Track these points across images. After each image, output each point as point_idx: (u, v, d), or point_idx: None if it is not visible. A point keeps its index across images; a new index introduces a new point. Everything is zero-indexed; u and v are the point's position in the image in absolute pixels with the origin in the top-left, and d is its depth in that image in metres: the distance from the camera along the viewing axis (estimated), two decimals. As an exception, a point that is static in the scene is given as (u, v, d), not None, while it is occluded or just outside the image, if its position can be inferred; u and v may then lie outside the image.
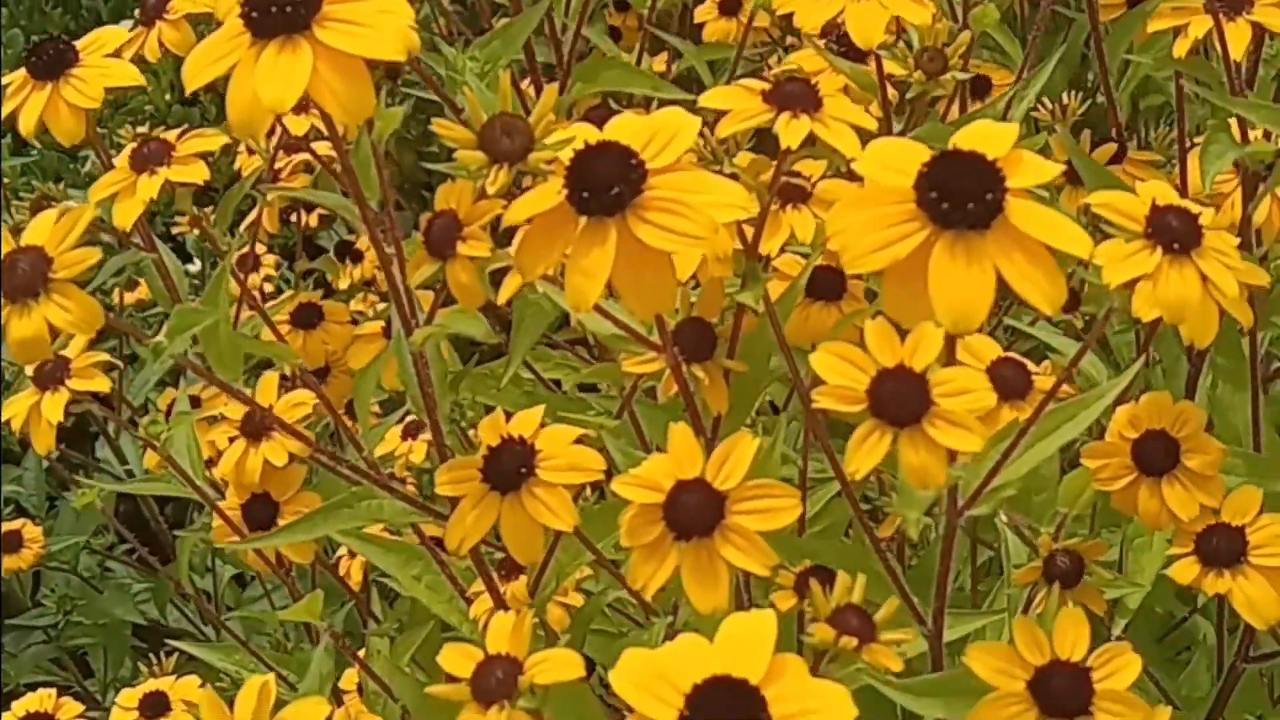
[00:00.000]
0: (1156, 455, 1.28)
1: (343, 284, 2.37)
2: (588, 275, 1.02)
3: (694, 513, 1.06)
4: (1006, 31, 1.92)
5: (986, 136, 1.03)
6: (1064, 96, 1.75)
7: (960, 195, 0.98)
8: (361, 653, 1.80)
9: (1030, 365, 1.35)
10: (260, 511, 1.53)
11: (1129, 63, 1.72)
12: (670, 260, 1.04)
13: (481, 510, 1.19)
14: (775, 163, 1.18)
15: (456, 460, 1.21)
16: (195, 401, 1.70)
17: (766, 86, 1.17)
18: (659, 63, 1.81)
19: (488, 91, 1.09)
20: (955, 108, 1.71)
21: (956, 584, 1.71)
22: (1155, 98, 2.03)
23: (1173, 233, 1.11)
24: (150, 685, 1.91)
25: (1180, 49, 1.44)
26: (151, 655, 1.98)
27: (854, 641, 1.04)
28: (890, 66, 1.41)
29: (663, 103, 1.72)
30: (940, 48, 1.39)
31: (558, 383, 1.85)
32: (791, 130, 1.14)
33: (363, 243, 2.31)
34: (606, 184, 1.02)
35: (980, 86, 2.04)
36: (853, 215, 1.02)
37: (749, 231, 1.23)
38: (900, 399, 1.01)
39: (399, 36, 1.02)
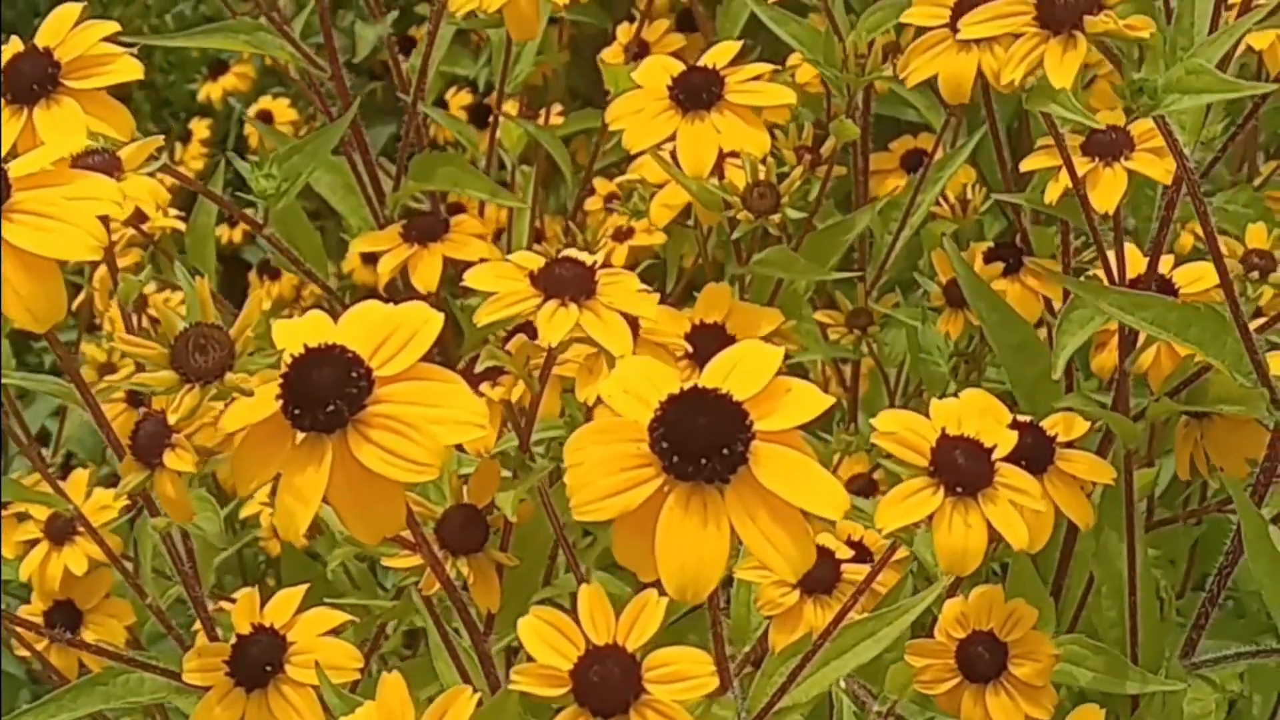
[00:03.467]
0: (981, 660, 1.16)
1: (265, 305, 2.27)
2: (299, 498, 0.92)
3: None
4: (932, 99, 1.79)
5: (745, 364, 0.92)
6: (967, 190, 1.62)
7: (693, 448, 0.88)
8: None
9: (841, 550, 1.21)
10: (63, 620, 1.44)
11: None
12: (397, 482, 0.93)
13: (227, 705, 1.10)
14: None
15: (205, 646, 1.12)
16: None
17: (537, 266, 1.05)
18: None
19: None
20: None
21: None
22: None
23: (958, 472, 0.98)
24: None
25: (1052, 194, 1.31)
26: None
27: None
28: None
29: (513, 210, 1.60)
30: (773, 183, 1.27)
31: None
32: (554, 325, 1.03)
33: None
34: (323, 399, 0.92)
35: (913, 160, 1.92)
36: (590, 450, 0.91)
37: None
38: (607, 685, 0.90)
39: (91, 232, 0.92)
